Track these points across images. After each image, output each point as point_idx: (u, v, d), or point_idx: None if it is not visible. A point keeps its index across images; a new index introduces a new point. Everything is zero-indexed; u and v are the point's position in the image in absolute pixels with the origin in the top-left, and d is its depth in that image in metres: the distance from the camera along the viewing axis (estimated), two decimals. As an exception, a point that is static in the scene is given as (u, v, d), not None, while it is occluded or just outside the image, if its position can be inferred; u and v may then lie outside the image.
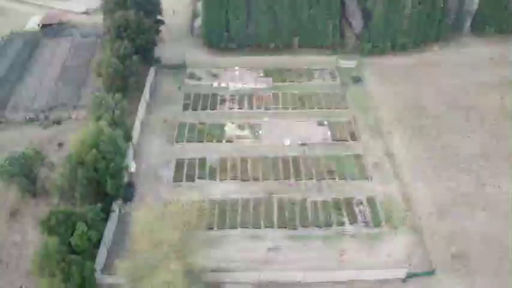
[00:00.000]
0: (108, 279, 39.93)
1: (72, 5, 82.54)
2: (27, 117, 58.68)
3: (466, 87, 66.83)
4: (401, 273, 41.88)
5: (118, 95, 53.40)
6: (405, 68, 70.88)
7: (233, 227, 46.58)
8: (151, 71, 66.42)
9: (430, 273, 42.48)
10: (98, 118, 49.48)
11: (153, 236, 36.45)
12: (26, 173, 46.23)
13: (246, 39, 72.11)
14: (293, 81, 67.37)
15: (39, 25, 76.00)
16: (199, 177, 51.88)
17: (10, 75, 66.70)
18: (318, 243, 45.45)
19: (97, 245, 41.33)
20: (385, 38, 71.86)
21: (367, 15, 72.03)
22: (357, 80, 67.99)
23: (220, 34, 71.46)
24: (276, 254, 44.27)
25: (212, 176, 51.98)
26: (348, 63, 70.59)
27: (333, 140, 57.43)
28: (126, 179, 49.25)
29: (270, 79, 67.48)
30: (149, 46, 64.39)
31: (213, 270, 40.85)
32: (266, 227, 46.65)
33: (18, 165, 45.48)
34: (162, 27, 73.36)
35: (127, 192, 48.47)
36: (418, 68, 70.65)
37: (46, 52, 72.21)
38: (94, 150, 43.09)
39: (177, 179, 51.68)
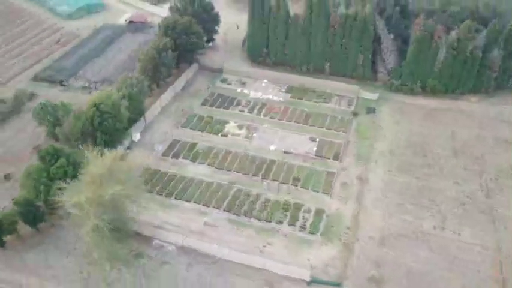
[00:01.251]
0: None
1: (158, 9, 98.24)
2: (83, 86, 72.98)
3: (485, 140, 64.26)
4: (306, 275, 43.99)
5: (140, 77, 64.53)
6: (429, 110, 70.38)
7: (188, 200, 53.22)
8: (191, 68, 77.13)
9: (336, 284, 43.78)
10: (118, 91, 60.80)
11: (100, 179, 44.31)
12: (53, 119, 58.91)
13: (282, 58, 78.84)
14: (309, 101, 71.89)
15: (126, 21, 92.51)
16: (184, 158, 59.73)
17: (89, 54, 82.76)
18: (250, 231, 49.68)
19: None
20: (415, 78, 72.35)
21: (401, 53, 73.64)
22: (371, 110, 69.83)
23: (261, 50, 79.37)
24: (211, 230, 49.64)
25: (194, 159, 59.43)
26: (370, 95, 72.68)
27: (316, 155, 60.64)
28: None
29: (288, 94, 73.07)
30: (190, 47, 74.82)
31: (146, 223, 47.96)
32: (214, 207, 52.33)
33: (47, 112, 58.49)
34: (216, 37, 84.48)
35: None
36: (443, 113, 69.64)
37: (123, 43, 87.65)
38: (94, 108, 53.88)
39: (165, 154, 60.27)
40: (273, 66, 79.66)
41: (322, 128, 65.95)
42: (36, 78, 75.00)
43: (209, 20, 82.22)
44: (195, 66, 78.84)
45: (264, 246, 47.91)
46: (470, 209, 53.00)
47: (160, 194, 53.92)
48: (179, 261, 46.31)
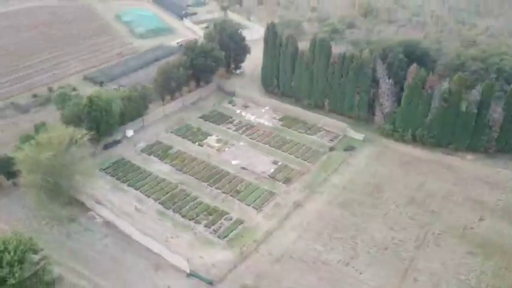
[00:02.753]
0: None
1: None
2: (114, 88, 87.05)
3: (453, 196, 61.03)
4: (186, 268, 48.27)
5: (149, 87, 75.71)
6: (411, 159, 68.86)
7: (136, 188, 61.18)
8: (208, 87, 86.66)
9: (209, 282, 47.18)
10: (124, 92, 72.83)
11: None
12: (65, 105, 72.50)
13: (289, 90, 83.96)
14: (295, 130, 75.59)
15: (178, 43, 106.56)
16: (154, 156, 68.32)
17: (135, 66, 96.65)
18: (169, 223, 55.46)
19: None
20: (407, 126, 71.43)
21: (399, 99, 73.47)
22: (349, 148, 70.79)
23: (271, 80, 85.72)
24: (139, 215, 56.72)
25: (162, 158, 67.63)
26: (356, 134, 73.58)
27: (269, 176, 64.19)
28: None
29: (280, 122, 77.71)
30: (206, 69, 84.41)
31: (92, 197, 57.09)
32: (152, 198, 59.42)
33: (64, 99, 72.44)
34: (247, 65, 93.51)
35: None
36: (424, 164, 67.56)
37: (166, 60, 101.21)
38: (87, 100, 65.84)
39: (143, 150, 69.55)
40: (281, 96, 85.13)
41: (291, 155, 69.11)
42: (85, 78, 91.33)
43: (238, 50, 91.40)
44: (212, 86, 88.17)
45: (172, 238, 53.22)
46: (390, 254, 51.57)
47: (118, 179, 62.84)
48: (99, 231, 54.06)
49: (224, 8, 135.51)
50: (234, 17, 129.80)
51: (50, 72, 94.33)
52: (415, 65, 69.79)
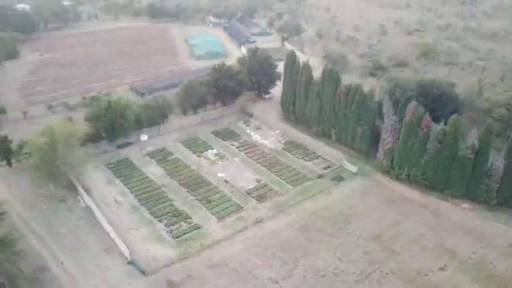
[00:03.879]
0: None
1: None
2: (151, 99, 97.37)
3: (423, 241, 57.68)
4: (128, 255, 53.34)
5: (166, 101, 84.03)
6: (399, 198, 66.56)
7: (124, 183, 68.36)
8: (231, 107, 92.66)
9: (142, 271, 51.63)
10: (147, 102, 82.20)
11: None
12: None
13: (302, 117, 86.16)
14: (294, 155, 77.41)
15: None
16: (154, 159, 75.36)
17: (177, 83, 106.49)
18: (137, 216, 61.16)
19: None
20: (403, 164, 69.32)
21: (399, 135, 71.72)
22: (337, 179, 70.62)
23: (289, 106, 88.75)
24: (116, 205, 63.50)
25: (159, 162, 74.35)
26: (351, 166, 73.05)
27: (245, 191, 67.01)
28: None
29: (283, 146, 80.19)
30: (228, 90, 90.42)
31: (84, 186, 65.64)
32: (133, 194, 65.92)
33: (93, 101, 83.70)
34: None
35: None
36: (409, 205, 64.85)
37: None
38: (106, 103, 75.64)
39: (148, 154, 77.08)
40: (296, 123, 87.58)
41: (278, 176, 71.13)
42: (131, 89, 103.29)
43: (268, 76, 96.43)
44: (235, 106, 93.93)
45: (132, 229, 58.79)
46: (324, 282, 50.96)
47: (114, 174, 70.77)
48: (78, 213, 61.37)
49: (284, 39, 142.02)
50: (289, 47, 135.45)
51: (107, 81, 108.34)
52: (414, 102, 68.01)
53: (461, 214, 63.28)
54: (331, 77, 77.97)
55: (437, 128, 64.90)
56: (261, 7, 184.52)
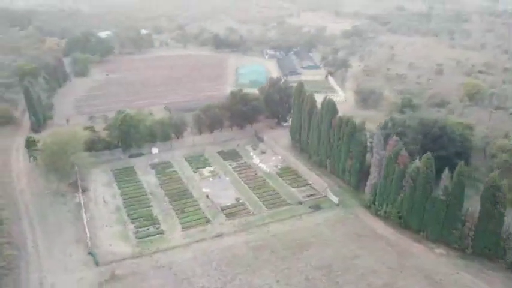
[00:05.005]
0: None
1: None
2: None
3: (375, 281, 55.86)
4: (88, 247, 59.87)
5: (182, 120, 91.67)
6: (370, 235, 64.84)
7: (120, 187, 76.08)
8: (244, 131, 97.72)
9: (96, 262, 57.61)
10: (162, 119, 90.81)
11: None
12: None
13: (305, 145, 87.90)
14: (284, 180, 79.33)
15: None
16: (155, 169, 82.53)
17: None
18: (115, 217, 67.93)
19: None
20: (383, 201, 67.81)
21: (385, 172, 70.42)
22: (314, 207, 71.07)
23: (296, 134, 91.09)
24: (105, 205, 71.19)
25: (158, 173, 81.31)
26: (333, 197, 72.92)
27: (221, 208, 70.58)
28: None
29: (276, 170, 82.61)
30: (241, 115, 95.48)
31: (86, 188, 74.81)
32: (122, 197, 73.13)
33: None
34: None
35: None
36: (379, 244, 62.69)
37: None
38: (123, 116, 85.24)
39: (152, 163, 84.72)
40: (301, 150, 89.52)
41: (258, 197, 73.61)
42: (165, 108, 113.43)
43: (286, 106, 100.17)
44: (250, 130, 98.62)
45: (106, 226, 65.58)
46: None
47: (115, 179, 79.03)
48: (69, 207, 70.12)
49: (328, 73, 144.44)
50: (331, 81, 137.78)
51: (150, 99, 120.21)
52: (395, 137, 66.81)
53: (430, 259, 59.96)
54: (328, 108, 79.24)
55: (412, 166, 62.98)
56: (321, 42, 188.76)
